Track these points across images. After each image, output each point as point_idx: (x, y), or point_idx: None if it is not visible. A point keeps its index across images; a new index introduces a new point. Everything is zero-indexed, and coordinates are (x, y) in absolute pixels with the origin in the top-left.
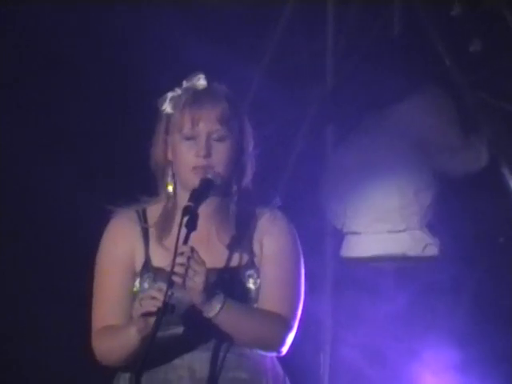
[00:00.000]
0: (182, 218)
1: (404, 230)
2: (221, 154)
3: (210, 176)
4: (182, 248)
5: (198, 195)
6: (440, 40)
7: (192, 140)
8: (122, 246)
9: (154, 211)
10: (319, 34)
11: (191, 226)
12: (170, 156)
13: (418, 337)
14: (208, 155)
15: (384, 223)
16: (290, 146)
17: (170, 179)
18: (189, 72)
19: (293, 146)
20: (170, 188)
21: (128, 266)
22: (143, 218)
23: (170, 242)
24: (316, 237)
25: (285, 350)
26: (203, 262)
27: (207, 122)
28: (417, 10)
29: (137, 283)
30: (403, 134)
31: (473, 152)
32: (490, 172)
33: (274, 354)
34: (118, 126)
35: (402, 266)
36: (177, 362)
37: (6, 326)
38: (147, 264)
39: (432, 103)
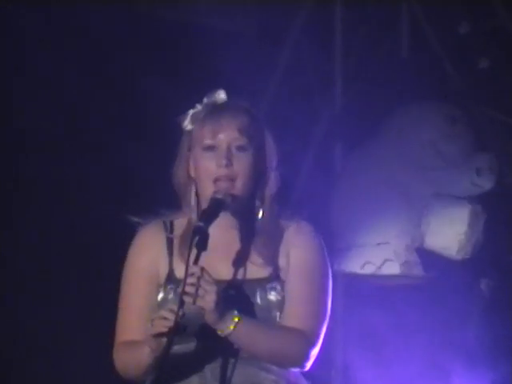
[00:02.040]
0: (192, 238)
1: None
2: (242, 163)
3: (219, 196)
4: (192, 268)
5: (208, 215)
6: (448, 58)
7: (212, 151)
8: (146, 258)
9: (180, 223)
10: (328, 54)
11: (201, 246)
12: (192, 173)
13: (431, 353)
14: (229, 164)
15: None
16: (299, 164)
17: (193, 196)
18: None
19: (302, 164)
20: (193, 202)
21: (152, 277)
22: (170, 228)
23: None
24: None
25: (308, 365)
26: (213, 282)
27: (227, 132)
28: (424, 30)
29: (160, 294)
30: (391, 153)
31: (464, 172)
32: (503, 189)
33: (297, 370)
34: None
35: (409, 282)
36: (194, 376)
37: (29, 341)
38: (170, 275)
39: (406, 123)
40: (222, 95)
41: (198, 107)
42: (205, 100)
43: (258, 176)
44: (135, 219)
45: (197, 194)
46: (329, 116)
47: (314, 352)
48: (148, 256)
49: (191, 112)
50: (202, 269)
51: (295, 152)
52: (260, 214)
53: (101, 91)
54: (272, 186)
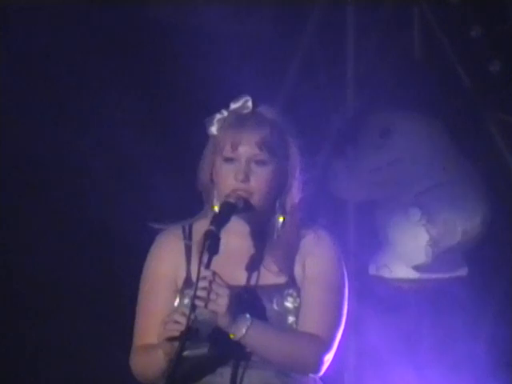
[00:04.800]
0: (203, 243)
1: None
2: (260, 178)
3: (231, 200)
4: (204, 272)
5: (219, 219)
6: (459, 61)
7: (232, 163)
8: (165, 264)
9: (199, 227)
10: (340, 57)
11: (213, 249)
12: (214, 177)
13: (444, 359)
14: (246, 179)
15: None
16: (310, 167)
17: (215, 200)
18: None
19: (313, 167)
20: (216, 209)
21: (170, 283)
22: (188, 233)
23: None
24: None
25: (323, 370)
26: (225, 285)
27: (247, 146)
28: (436, 33)
29: (177, 299)
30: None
31: None
32: None
33: (311, 375)
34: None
35: (422, 286)
36: (208, 380)
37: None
38: (188, 280)
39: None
40: (248, 103)
41: (224, 113)
42: (231, 106)
43: (278, 186)
44: (156, 226)
45: (219, 198)
46: (341, 118)
47: (328, 357)
48: (167, 262)
49: (217, 117)
50: (214, 272)
51: (307, 154)
52: (280, 222)
53: (110, 95)
54: (294, 194)
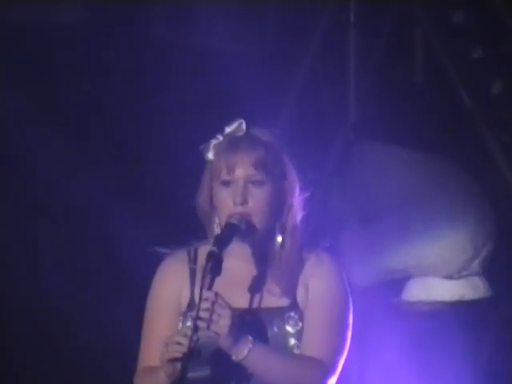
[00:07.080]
0: (206, 264)
1: None
2: (259, 199)
3: (234, 221)
4: (206, 294)
5: (222, 240)
6: (461, 83)
7: (230, 186)
8: (170, 288)
9: (204, 251)
10: (342, 77)
11: (215, 270)
12: (214, 203)
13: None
14: (245, 202)
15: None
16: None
17: (216, 226)
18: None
19: (316, 185)
20: (217, 230)
21: (175, 307)
22: (194, 258)
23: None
24: None
25: None
26: (228, 306)
27: (243, 168)
28: (438, 54)
29: (181, 322)
30: None
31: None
32: None
33: None
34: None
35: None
36: None
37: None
38: (191, 303)
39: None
40: (241, 126)
41: (220, 138)
42: (225, 130)
43: (278, 207)
44: (161, 250)
45: (219, 223)
46: (343, 138)
47: (331, 382)
48: (171, 287)
49: (213, 142)
50: (216, 294)
51: (308, 173)
52: (279, 244)
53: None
54: (295, 214)
